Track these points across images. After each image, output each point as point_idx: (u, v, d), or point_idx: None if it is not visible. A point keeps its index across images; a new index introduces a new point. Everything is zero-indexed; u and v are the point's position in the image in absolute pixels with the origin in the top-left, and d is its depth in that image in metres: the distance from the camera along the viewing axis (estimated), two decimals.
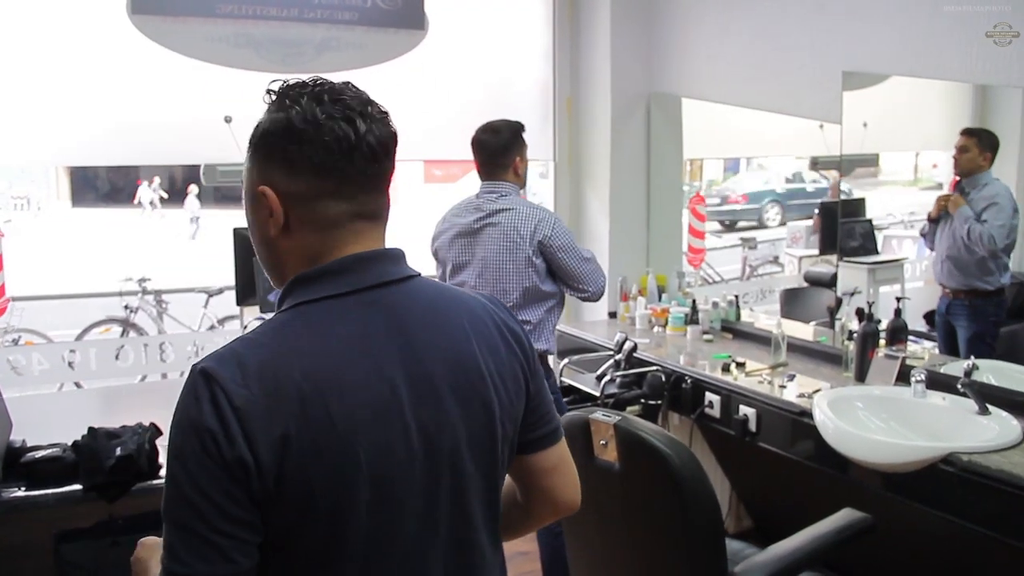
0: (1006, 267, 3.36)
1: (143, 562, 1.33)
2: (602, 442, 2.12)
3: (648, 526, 2.20)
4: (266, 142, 1.20)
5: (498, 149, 3.33)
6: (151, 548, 1.34)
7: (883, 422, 2.91)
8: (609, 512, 2.28)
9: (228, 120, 3.78)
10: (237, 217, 3.23)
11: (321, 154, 1.16)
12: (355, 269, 1.18)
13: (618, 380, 3.56)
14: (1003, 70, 2.84)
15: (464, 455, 1.21)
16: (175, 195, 20.96)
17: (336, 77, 3.98)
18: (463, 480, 1.22)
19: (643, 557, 2.25)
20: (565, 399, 3.58)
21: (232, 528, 1.07)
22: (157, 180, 21.67)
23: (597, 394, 3.47)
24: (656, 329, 4.33)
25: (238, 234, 3.88)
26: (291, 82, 1.23)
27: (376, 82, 4.18)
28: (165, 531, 1.08)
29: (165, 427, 3.03)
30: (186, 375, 1.12)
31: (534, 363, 1.32)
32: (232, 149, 3.76)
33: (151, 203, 21.78)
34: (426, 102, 4.36)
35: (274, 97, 1.23)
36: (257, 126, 1.23)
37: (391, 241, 1.26)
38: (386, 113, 1.23)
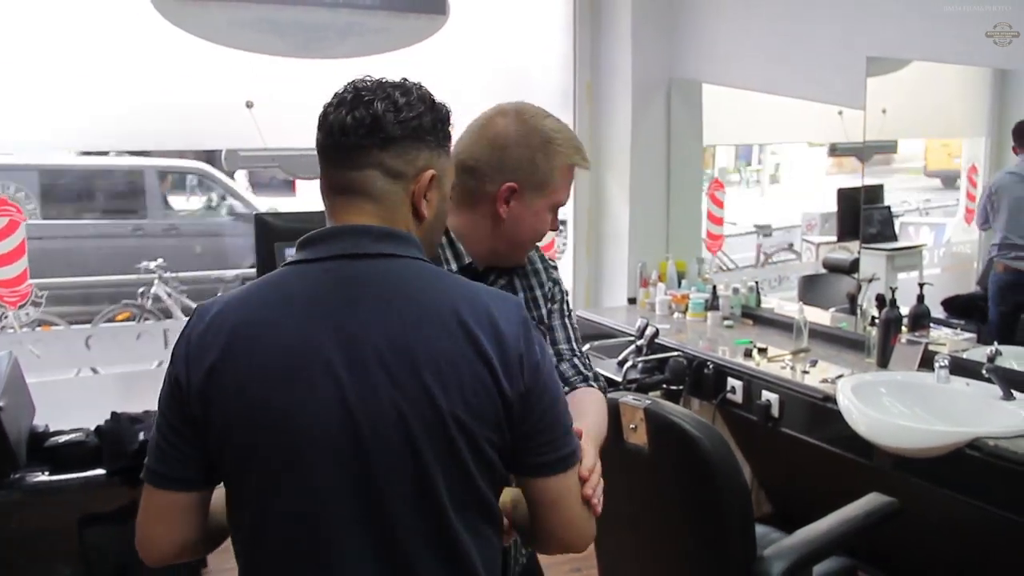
0: None
1: None
2: (632, 426, 2.12)
3: (679, 509, 2.20)
4: None
5: None
6: None
7: (907, 407, 2.91)
8: (638, 496, 2.28)
9: (249, 105, 3.79)
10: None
11: (317, 134, 1.32)
12: (326, 240, 1.27)
13: (640, 365, 3.57)
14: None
15: (395, 437, 1.20)
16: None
17: (359, 63, 4.00)
18: (401, 460, 1.21)
19: (673, 540, 2.25)
20: None
21: (176, 440, 1.25)
22: None
23: (619, 379, 3.48)
24: (676, 315, 4.34)
25: (259, 220, 3.89)
26: None
27: (398, 68, 4.19)
28: None
29: None
30: None
31: (518, 378, 1.24)
32: (253, 134, 3.77)
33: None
34: (447, 88, 4.35)
35: None
36: None
37: None
38: (370, 99, 1.27)
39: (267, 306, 1.24)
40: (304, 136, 4.10)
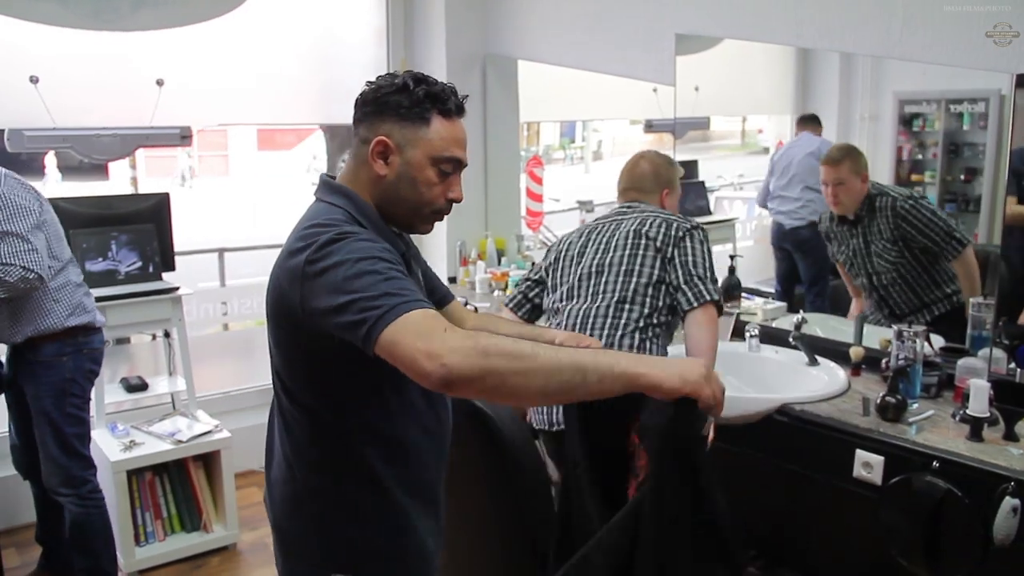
0: None
1: None
2: None
3: (479, 486, 2.19)
4: None
5: None
6: None
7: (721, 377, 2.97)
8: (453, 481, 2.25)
9: (34, 80, 3.51)
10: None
11: None
12: None
13: None
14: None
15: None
16: None
17: (155, 35, 3.74)
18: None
19: (479, 514, 2.24)
20: None
21: None
22: None
23: None
24: (496, 293, 4.31)
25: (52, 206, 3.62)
26: None
27: (202, 40, 4.01)
28: None
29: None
30: None
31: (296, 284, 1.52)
32: (41, 112, 3.50)
33: None
34: (253, 64, 4.19)
35: None
36: None
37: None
38: (364, 87, 1.68)
39: None
40: (100, 115, 3.87)
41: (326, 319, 1.46)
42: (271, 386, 1.70)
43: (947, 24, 2.78)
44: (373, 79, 1.66)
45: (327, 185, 1.69)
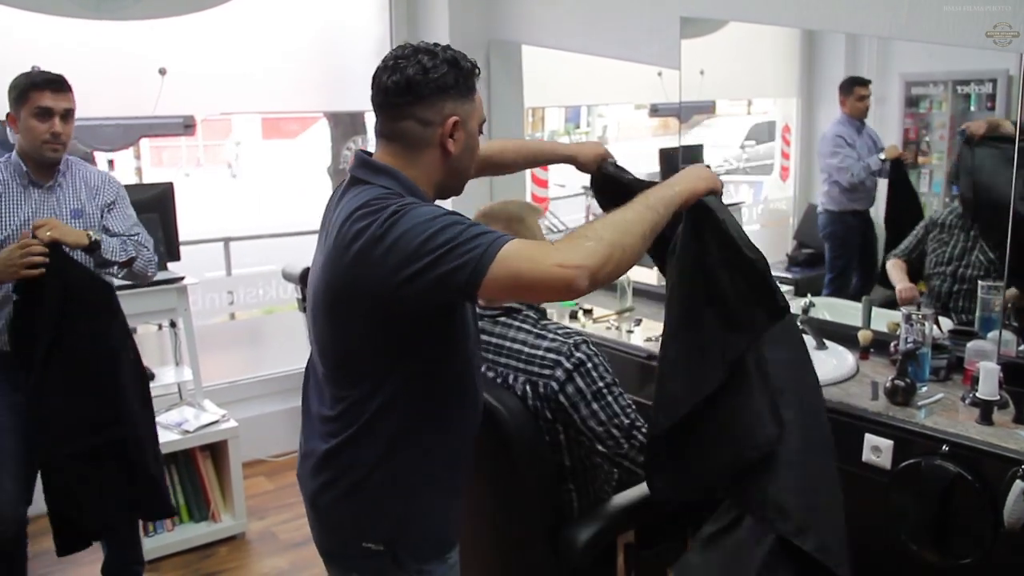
0: None
1: None
2: None
3: (487, 479, 2.19)
4: None
5: None
6: None
7: None
8: None
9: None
10: None
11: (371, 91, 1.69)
12: (351, 167, 1.71)
13: None
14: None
15: (314, 306, 1.71)
16: None
17: (157, 24, 3.70)
18: (314, 322, 1.73)
19: (487, 507, 2.25)
20: None
21: None
22: None
23: None
24: None
25: None
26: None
27: (202, 30, 3.99)
28: None
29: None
30: None
31: (364, 269, 1.55)
32: None
33: None
34: (256, 52, 4.17)
35: None
36: None
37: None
38: (398, 61, 1.62)
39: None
40: (103, 105, 3.85)
41: (417, 281, 1.48)
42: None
43: (947, 24, 2.76)
44: (391, 62, 1.64)
45: (368, 165, 1.68)
